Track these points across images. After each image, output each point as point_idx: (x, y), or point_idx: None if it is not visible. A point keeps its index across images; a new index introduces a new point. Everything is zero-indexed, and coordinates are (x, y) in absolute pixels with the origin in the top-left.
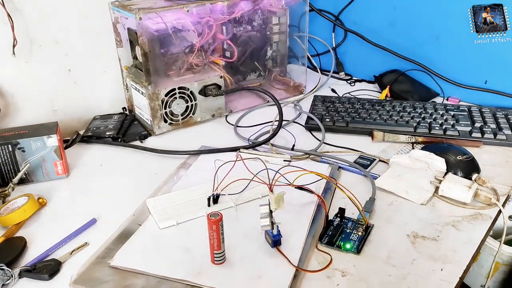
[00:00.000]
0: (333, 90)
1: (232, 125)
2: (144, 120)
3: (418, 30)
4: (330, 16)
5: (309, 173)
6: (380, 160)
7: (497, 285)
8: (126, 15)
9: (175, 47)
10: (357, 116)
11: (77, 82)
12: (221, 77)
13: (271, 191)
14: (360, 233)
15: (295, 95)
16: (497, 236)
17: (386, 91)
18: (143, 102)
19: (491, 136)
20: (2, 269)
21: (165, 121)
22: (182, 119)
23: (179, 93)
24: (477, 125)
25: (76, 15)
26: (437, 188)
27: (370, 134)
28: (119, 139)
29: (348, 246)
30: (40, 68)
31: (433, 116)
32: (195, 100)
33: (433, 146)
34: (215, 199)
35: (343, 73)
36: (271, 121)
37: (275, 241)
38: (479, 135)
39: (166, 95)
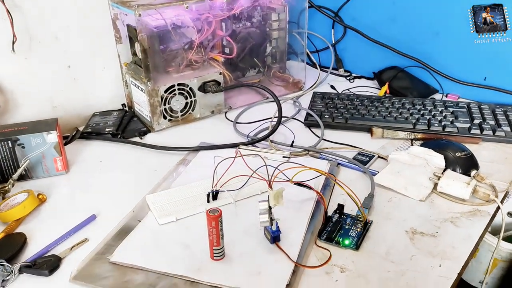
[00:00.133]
0: (332, 87)
1: (232, 121)
2: (143, 116)
3: (417, 26)
4: (330, 12)
5: (308, 169)
6: (379, 157)
7: (495, 281)
8: (126, 11)
9: (175, 43)
10: (356, 113)
11: (77, 78)
12: (220, 73)
13: (270, 187)
14: (359, 229)
15: (294, 92)
16: (495, 232)
17: (385, 87)
18: (143, 99)
19: (490, 132)
20: (2, 265)
21: (165, 117)
22: (182, 115)
23: (179, 89)
24: (476, 121)
25: (76, 12)
26: (435, 184)
27: (369, 130)
28: (119, 136)
29: (347, 242)
30: (40, 64)
31: (432, 113)
32: (194, 97)
33: (432, 142)
34: (215, 195)
35: (342, 69)
36: (270, 118)
37: (274, 237)
38: (478, 131)
39: (165, 92)
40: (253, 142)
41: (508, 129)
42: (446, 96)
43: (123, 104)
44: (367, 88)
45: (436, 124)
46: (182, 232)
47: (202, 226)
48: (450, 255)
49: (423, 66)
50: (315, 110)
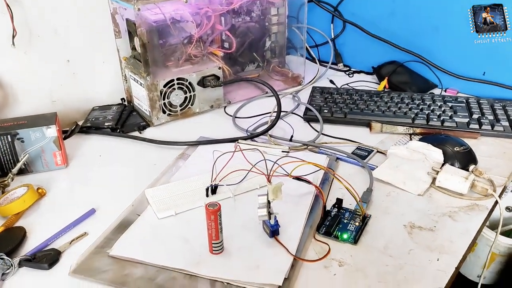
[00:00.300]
0: (331, 82)
1: (231, 116)
2: (142, 111)
3: (417, 21)
4: (329, 7)
5: (307, 163)
6: (378, 151)
7: (493, 276)
8: (125, 5)
9: (174, 38)
10: (355, 107)
11: (76, 73)
12: (219, 68)
13: (269, 181)
14: (357, 224)
15: (293, 86)
16: (493, 227)
17: (384, 82)
18: (142, 93)
19: (489, 127)
20: (2, 259)
21: (164, 112)
22: (181, 110)
23: (178, 84)
24: (475, 116)
25: (75, 6)
26: (434, 179)
27: (368, 125)
28: (118, 130)
29: (345, 236)
30: (39, 59)
31: (431, 108)
32: (193, 91)
33: (430, 137)
34: (214, 189)
35: (341, 64)
36: (270, 112)
37: (273, 231)
38: (476, 126)
39: (164, 86)
40: (252, 136)
41: (507, 124)
42: (445, 91)
43: (122, 99)
44: (366, 83)
45: (435, 119)
46: (181, 226)
47: (201, 220)
48: (448, 249)
49: (422, 61)
50: (314, 105)
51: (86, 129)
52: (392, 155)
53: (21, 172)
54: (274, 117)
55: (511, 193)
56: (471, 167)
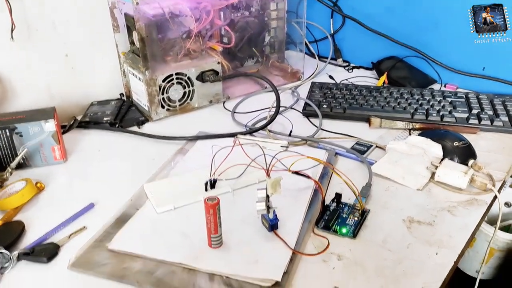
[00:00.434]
0: (330, 77)
1: (230, 111)
2: (141, 106)
3: (416, 16)
4: (329, 2)
5: (306, 158)
6: (377, 146)
7: (491, 271)
8: (123, 0)
9: (173, 32)
10: (355, 103)
11: (75, 67)
12: (218, 63)
13: (268, 176)
14: (356, 218)
15: (292, 82)
16: (492, 222)
17: (383, 77)
18: (141, 88)
19: (488, 122)
20: (0, 252)
21: (163, 107)
22: (180, 105)
23: (177, 78)
24: (474, 111)
25: (74, 1)
26: (433, 173)
27: (367, 120)
28: (117, 125)
29: (344, 230)
30: (38, 53)
31: (431, 103)
32: (192, 86)
33: (430, 132)
34: (212, 184)
35: (340, 59)
36: (269, 108)
37: (272, 225)
38: (476, 121)
39: (163, 81)
40: (251, 131)
41: (506, 119)
42: (445, 86)
43: (121, 94)
44: (365, 78)
45: (434, 114)
46: (180, 220)
47: (200, 214)
48: (447, 244)
49: (422, 56)
50: (313, 100)
51: (84, 124)
52: (391, 150)
53: (20, 166)
54: (273, 112)
55: (509, 188)
56: (470, 162)
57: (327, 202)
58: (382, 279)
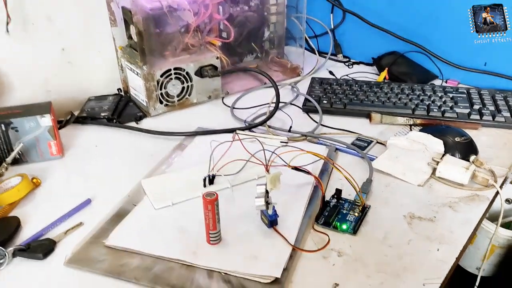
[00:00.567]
0: (330, 72)
1: (229, 106)
2: (139, 101)
3: (417, 10)
4: None
5: (306, 153)
6: (377, 142)
7: (492, 268)
8: None
9: (171, 26)
10: (355, 98)
11: (71, 62)
12: (217, 58)
13: (268, 171)
14: (356, 214)
15: (292, 77)
16: (492, 219)
17: (384, 73)
18: (138, 83)
19: (490, 118)
20: None
21: (161, 102)
22: (178, 100)
23: (175, 73)
24: (476, 107)
25: None
26: (434, 169)
27: (367, 116)
28: (114, 120)
29: (344, 226)
30: (33, 47)
31: (432, 98)
32: (191, 81)
33: (431, 128)
34: (211, 179)
35: (341, 55)
36: (268, 103)
37: (272, 221)
38: (477, 117)
39: (161, 76)
40: (250, 127)
41: (508, 114)
42: (446, 81)
43: (118, 89)
44: (366, 74)
45: (436, 110)
46: (178, 216)
47: (198, 210)
48: (448, 240)
49: (423, 51)
50: (313, 96)
51: (82, 119)
52: (392, 145)
53: (16, 162)
54: (273, 108)
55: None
56: (472, 158)
57: (327, 198)
58: (382, 275)
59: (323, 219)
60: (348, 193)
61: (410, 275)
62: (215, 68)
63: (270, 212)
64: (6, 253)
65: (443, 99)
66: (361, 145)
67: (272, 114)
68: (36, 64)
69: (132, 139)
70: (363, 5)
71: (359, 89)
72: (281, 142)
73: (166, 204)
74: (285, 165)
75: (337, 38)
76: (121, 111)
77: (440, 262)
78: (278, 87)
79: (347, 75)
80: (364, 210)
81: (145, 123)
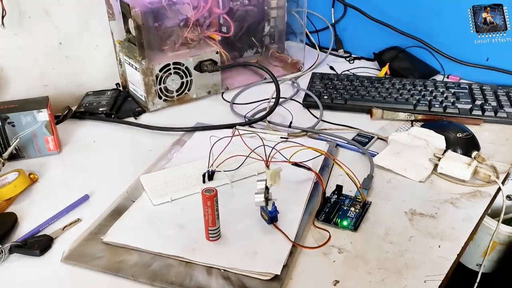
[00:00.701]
0: (331, 68)
1: (228, 102)
2: (138, 96)
3: (419, 4)
4: None
5: (306, 149)
6: (378, 138)
7: (492, 264)
8: None
9: (170, 20)
10: (356, 94)
11: (69, 56)
12: (217, 52)
13: (268, 167)
14: (357, 210)
15: (292, 73)
16: (493, 215)
17: (385, 68)
18: (137, 78)
19: (492, 114)
20: None
21: (160, 97)
22: (177, 95)
23: (174, 68)
24: (478, 102)
25: None
26: (436, 165)
27: (368, 111)
28: (113, 116)
29: (345, 223)
30: (30, 40)
31: (433, 94)
32: (190, 76)
33: (432, 123)
34: (210, 175)
35: (342, 50)
36: (268, 98)
37: (272, 217)
38: (479, 112)
39: (160, 71)
40: (250, 122)
41: (510, 110)
42: (448, 77)
43: (117, 84)
44: (367, 69)
45: (437, 105)
46: (177, 212)
47: (197, 206)
48: (450, 236)
49: (424, 46)
50: (314, 91)
51: (79, 115)
52: (393, 141)
53: (13, 157)
54: (273, 103)
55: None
56: (474, 154)
57: (328, 194)
58: (383, 271)
59: (323, 215)
60: (349, 189)
61: (411, 272)
62: (215, 63)
63: (270, 208)
64: (3, 250)
65: (445, 95)
66: (362, 141)
67: (272, 109)
68: (32, 58)
69: (130, 135)
70: None
71: (360, 85)
72: (281, 137)
73: (165, 200)
74: (285, 161)
75: (338, 33)
76: (119, 106)
77: (441, 259)
78: (279, 82)
79: (348, 70)
80: (365, 206)
81: (143, 119)
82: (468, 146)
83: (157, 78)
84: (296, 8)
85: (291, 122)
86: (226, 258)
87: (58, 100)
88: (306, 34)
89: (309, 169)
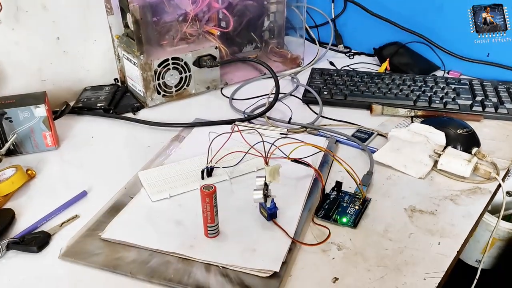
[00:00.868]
0: (331, 63)
1: (228, 97)
2: (136, 91)
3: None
4: None
5: (306, 145)
6: (378, 134)
7: (492, 260)
8: None
9: (168, 15)
10: (356, 89)
11: (66, 51)
12: (216, 47)
13: (267, 163)
14: (357, 207)
15: (292, 68)
16: (493, 212)
17: (385, 64)
18: (135, 73)
19: (492, 110)
20: None
21: (158, 92)
22: (176, 91)
23: (173, 63)
24: (478, 98)
25: None
26: (436, 162)
27: (368, 107)
28: (111, 111)
29: (344, 220)
30: (27, 36)
31: (434, 90)
32: (189, 72)
33: (432, 119)
34: (209, 172)
35: (341, 45)
36: (268, 94)
37: (271, 214)
38: (480, 109)
39: (159, 66)
40: (249, 118)
41: (511, 106)
42: (448, 73)
43: (115, 79)
44: (367, 64)
45: (437, 101)
46: (176, 209)
47: (196, 203)
48: (450, 233)
49: (425, 41)
50: (313, 87)
51: (77, 110)
52: (393, 137)
53: (10, 153)
54: (272, 99)
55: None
56: (474, 150)
57: (327, 190)
58: (382, 268)
59: (323, 212)
60: (349, 186)
61: (411, 269)
62: (214, 58)
63: (269, 205)
64: (0, 246)
65: (445, 91)
66: (361, 137)
67: (271, 105)
68: (30, 53)
69: (129, 130)
70: None
71: (360, 80)
72: (280, 133)
73: (164, 196)
74: (284, 157)
75: (338, 28)
76: (118, 101)
77: (441, 256)
78: (278, 77)
79: (348, 66)
80: (365, 203)
81: (142, 114)
82: (469, 142)
83: (155, 73)
84: (295, 3)
85: (290, 118)
86: (224, 255)
87: (56, 95)
88: (306, 29)
89: (308, 165)
